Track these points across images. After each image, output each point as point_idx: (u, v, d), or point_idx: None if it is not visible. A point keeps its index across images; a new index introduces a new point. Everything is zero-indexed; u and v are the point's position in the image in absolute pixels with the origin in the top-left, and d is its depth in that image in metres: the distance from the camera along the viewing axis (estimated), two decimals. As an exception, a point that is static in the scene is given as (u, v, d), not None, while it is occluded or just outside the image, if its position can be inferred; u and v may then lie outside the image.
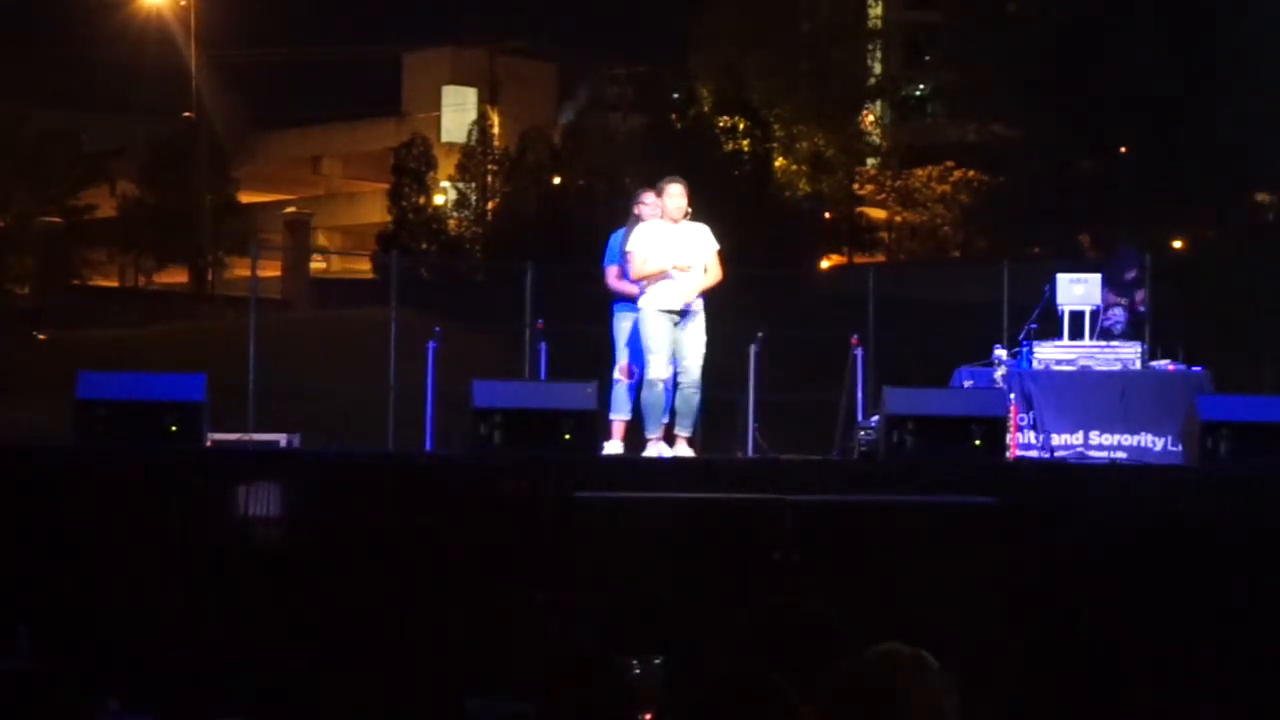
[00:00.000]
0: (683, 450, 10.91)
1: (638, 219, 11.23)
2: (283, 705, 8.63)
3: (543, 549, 9.07)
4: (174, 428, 9.70)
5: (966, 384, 12.57)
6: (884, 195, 43.55)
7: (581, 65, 46.27)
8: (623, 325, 11.35)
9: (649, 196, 11.26)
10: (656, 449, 10.87)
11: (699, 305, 11.00)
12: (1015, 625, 8.38)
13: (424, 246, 38.56)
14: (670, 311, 10.84)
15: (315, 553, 9.12)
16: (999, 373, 12.56)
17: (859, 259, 41.92)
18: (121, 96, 44.61)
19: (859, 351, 13.37)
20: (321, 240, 50.83)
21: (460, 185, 42.02)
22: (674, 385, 10.95)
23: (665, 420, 10.99)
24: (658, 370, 10.77)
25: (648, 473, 10.10)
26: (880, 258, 42.47)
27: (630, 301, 11.10)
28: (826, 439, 13.68)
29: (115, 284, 43.92)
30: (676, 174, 11.28)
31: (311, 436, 13.70)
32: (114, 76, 43.14)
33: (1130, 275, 13.92)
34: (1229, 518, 9.45)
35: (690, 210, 11.00)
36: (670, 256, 10.84)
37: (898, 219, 44.14)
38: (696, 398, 10.95)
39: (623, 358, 11.30)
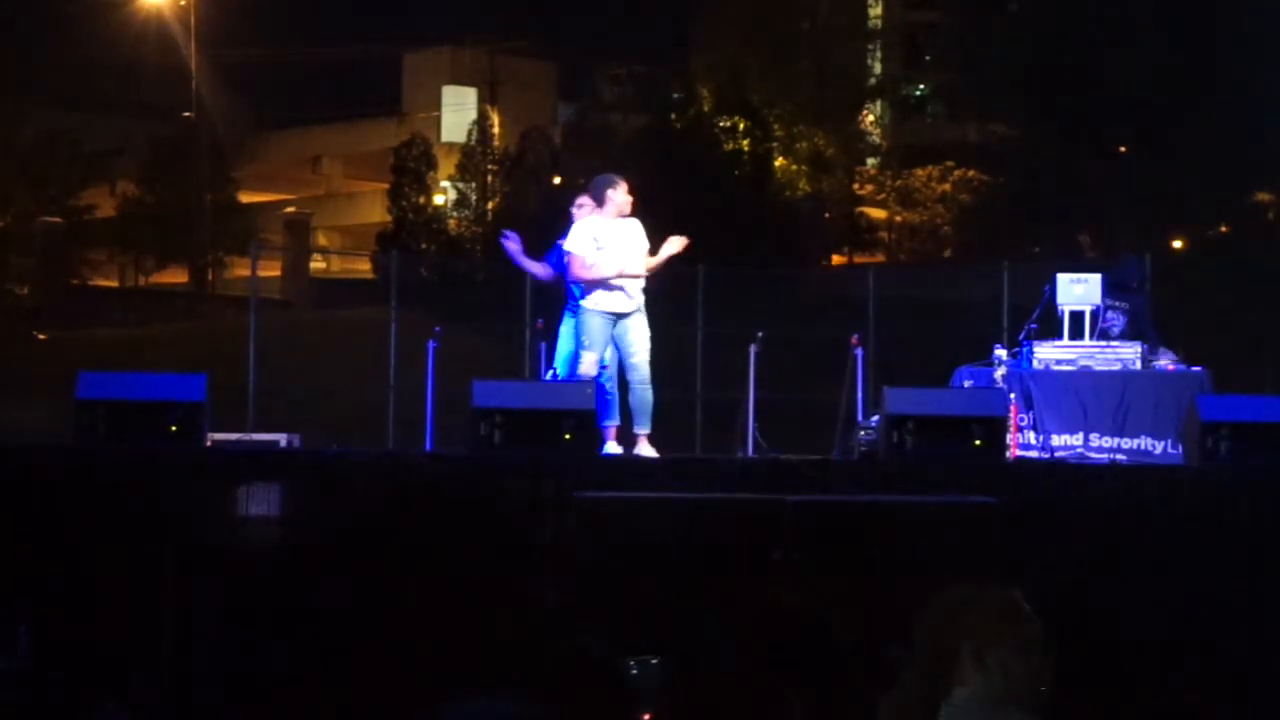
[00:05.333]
0: (645, 449, 10.96)
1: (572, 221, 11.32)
2: (282, 705, 8.63)
3: (543, 549, 9.07)
4: (174, 428, 9.69)
5: (966, 384, 12.56)
6: (884, 195, 43.56)
7: (581, 65, 46.29)
8: (568, 330, 11.49)
9: (584, 199, 11.33)
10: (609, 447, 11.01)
11: (642, 303, 11.08)
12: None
13: (424, 246, 38.60)
14: (613, 313, 10.94)
15: (315, 553, 9.12)
16: (999, 373, 12.55)
17: (859, 259, 41.91)
18: (121, 96, 44.62)
19: (859, 351, 13.36)
20: (321, 240, 50.85)
21: (460, 185, 42.06)
22: (605, 384, 11.06)
23: (617, 421, 11.09)
24: (587, 368, 10.85)
25: (648, 473, 10.10)
26: (880, 258, 42.46)
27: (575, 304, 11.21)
28: (826, 439, 13.68)
29: (115, 284, 43.94)
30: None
31: (311, 436, 13.70)
32: (114, 76, 43.14)
33: (1132, 284, 13.91)
34: (1229, 518, 9.45)
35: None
36: (617, 256, 10.92)
37: (898, 219, 44.14)
38: (649, 393, 11.02)
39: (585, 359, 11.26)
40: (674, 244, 11.10)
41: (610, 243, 10.93)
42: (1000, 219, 37.05)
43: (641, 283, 11.05)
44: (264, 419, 16.03)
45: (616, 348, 11.08)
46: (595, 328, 10.90)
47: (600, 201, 11.08)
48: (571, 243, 11.02)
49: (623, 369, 11.12)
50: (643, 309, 11.08)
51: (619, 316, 10.96)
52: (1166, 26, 33.16)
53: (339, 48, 46.44)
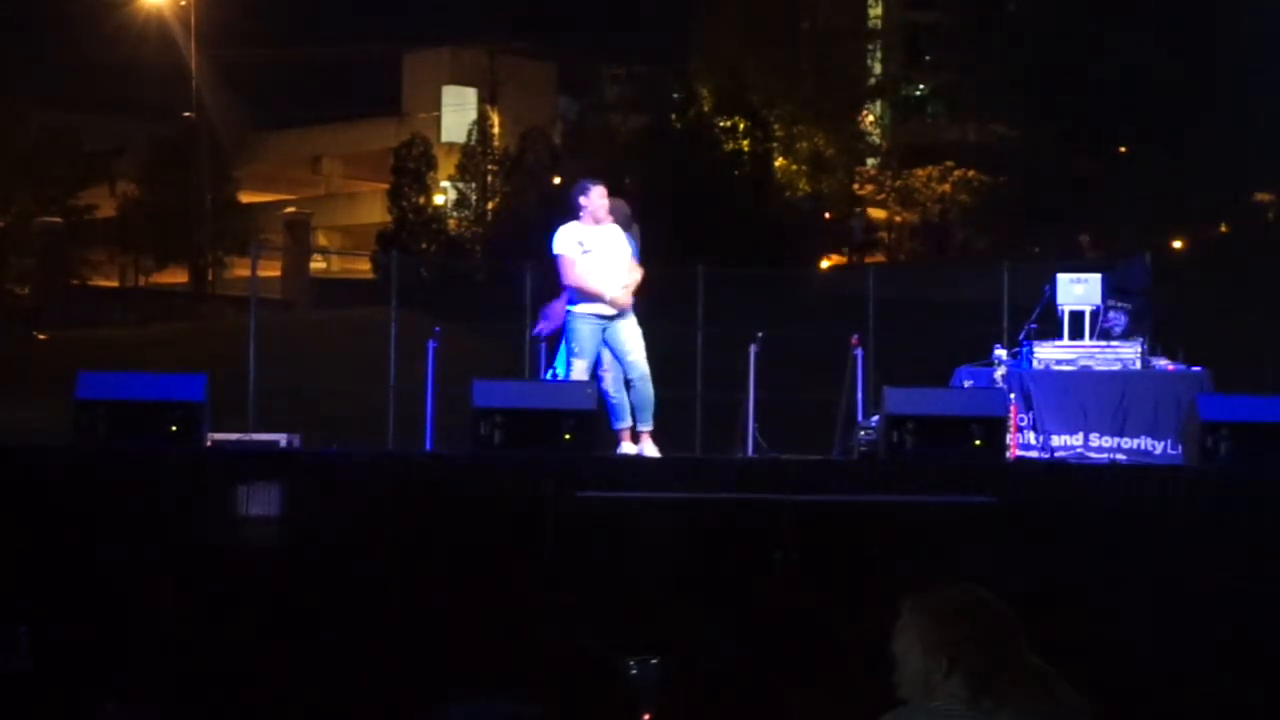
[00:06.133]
0: (648, 447, 10.98)
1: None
2: (282, 705, 8.63)
3: (543, 549, 9.07)
4: (174, 428, 9.70)
5: (966, 384, 12.55)
6: (884, 195, 43.56)
7: (581, 65, 46.28)
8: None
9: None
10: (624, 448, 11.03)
11: (630, 302, 11.12)
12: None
13: (424, 246, 38.60)
14: (601, 317, 10.97)
15: (315, 553, 9.12)
16: (999, 373, 12.54)
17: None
18: (121, 96, 44.62)
19: (859, 351, 13.36)
20: (321, 240, 50.87)
21: (460, 185, 42.05)
22: (609, 389, 11.09)
23: (629, 423, 11.10)
24: (578, 375, 10.87)
25: (648, 473, 10.10)
26: (880, 258, 42.47)
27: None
28: (826, 439, 13.67)
29: (115, 284, 43.93)
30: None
31: (311, 436, 13.70)
32: (114, 76, 43.15)
33: (1136, 286, 13.89)
34: (1229, 518, 9.45)
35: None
36: (602, 259, 10.97)
37: (898, 219, 44.15)
38: (649, 387, 11.05)
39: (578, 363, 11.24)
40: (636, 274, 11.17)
41: (595, 246, 11.01)
42: (1000, 219, 37.07)
43: (626, 284, 11.10)
44: (264, 419, 16.01)
45: (611, 351, 11.09)
46: (584, 334, 10.95)
47: (576, 209, 11.14)
48: (559, 246, 11.08)
49: (622, 368, 11.14)
50: (630, 308, 11.11)
51: (607, 320, 10.99)
52: (1166, 27, 33.18)
53: (339, 48, 46.43)
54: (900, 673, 3.79)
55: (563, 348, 11.64)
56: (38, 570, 8.81)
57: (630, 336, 11.04)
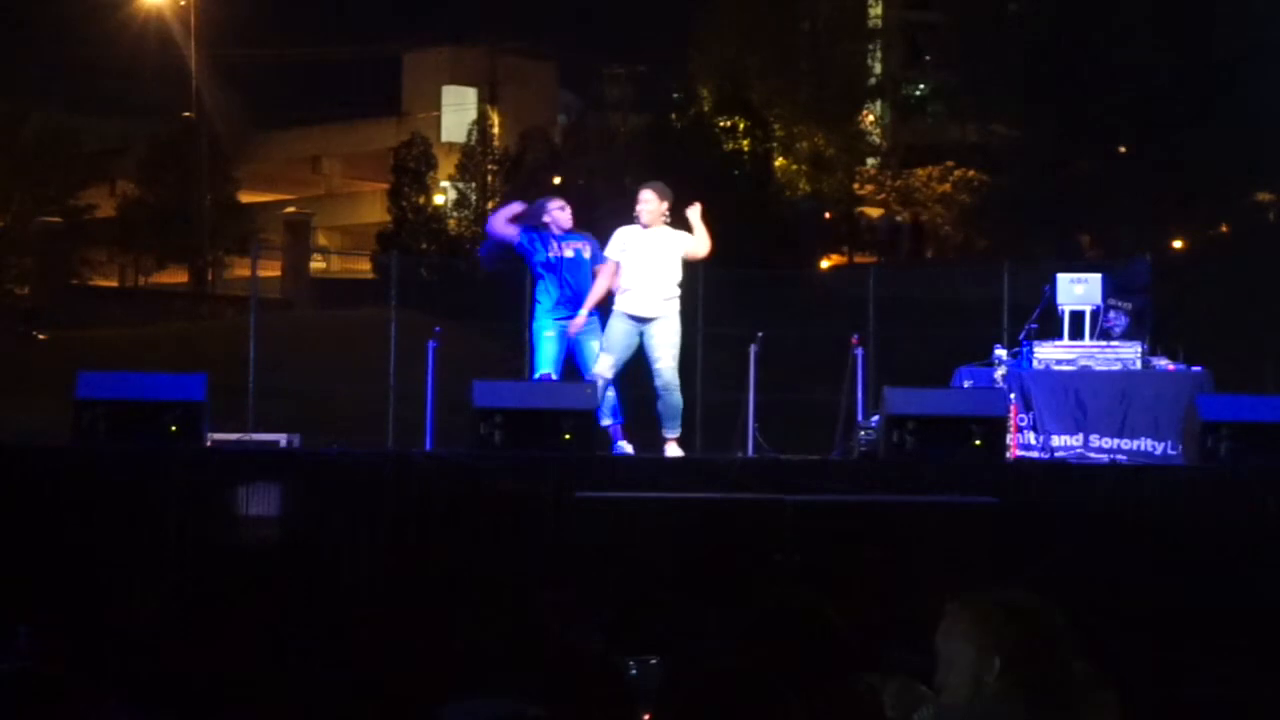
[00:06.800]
0: (673, 453, 10.99)
1: (547, 225, 11.36)
2: (282, 705, 8.63)
3: (543, 549, 9.07)
4: (174, 428, 9.70)
5: (966, 384, 12.55)
6: (884, 195, 43.55)
7: (581, 65, 46.30)
8: (546, 335, 11.48)
9: (554, 204, 11.43)
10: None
11: (670, 310, 11.09)
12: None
13: (424, 246, 38.56)
14: (636, 318, 10.97)
15: (315, 553, 9.12)
16: (999, 373, 12.54)
17: (859, 259, 41.92)
18: (121, 96, 44.61)
19: (859, 351, 13.36)
20: (321, 240, 50.82)
21: (460, 185, 42.02)
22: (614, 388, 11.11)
23: (621, 420, 11.11)
24: (602, 370, 10.89)
25: (648, 473, 10.10)
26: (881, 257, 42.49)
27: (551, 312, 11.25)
28: (826, 439, 13.67)
29: (115, 284, 43.91)
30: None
31: (311, 436, 13.69)
32: (114, 76, 43.14)
33: (1138, 286, 13.89)
34: (1229, 518, 9.45)
35: (668, 215, 11.15)
36: (640, 260, 11.00)
37: (898, 219, 44.13)
38: (675, 397, 11.05)
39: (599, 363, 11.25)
40: (693, 213, 11.21)
41: (633, 247, 11.06)
42: (1000, 219, 37.07)
43: (667, 290, 11.08)
44: (264, 419, 16.02)
45: (644, 354, 11.11)
46: (616, 331, 10.96)
47: (635, 215, 11.25)
48: (607, 250, 11.21)
49: (650, 374, 11.20)
50: (670, 315, 11.09)
51: (642, 321, 10.99)
52: (1166, 27, 33.18)
53: (339, 48, 46.44)
54: (945, 674, 3.75)
55: (540, 348, 11.55)
56: (38, 570, 8.81)
57: (662, 344, 11.02)
